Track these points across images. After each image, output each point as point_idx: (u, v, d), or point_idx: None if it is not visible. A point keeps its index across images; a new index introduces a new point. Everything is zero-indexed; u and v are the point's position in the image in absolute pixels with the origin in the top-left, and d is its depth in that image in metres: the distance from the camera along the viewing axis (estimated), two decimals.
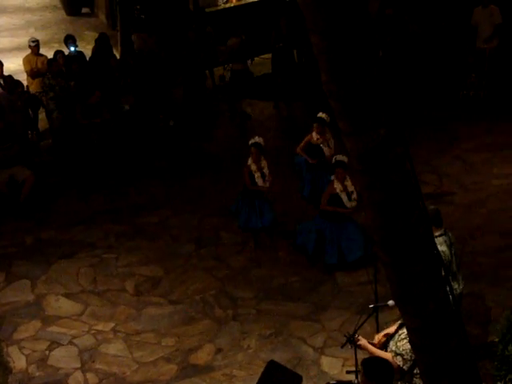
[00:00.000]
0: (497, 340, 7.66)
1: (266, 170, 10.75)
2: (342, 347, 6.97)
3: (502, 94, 15.34)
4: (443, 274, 4.93)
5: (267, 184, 10.73)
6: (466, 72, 15.79)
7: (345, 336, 6.85)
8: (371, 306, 7.46)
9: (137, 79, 15.25)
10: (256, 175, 10.66)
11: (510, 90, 15.23)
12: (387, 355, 6.41)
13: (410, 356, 6.30)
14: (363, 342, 6.68)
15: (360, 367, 5.95)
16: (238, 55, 16.12)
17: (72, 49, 15.78)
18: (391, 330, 6.73)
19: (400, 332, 6.54)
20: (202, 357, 8.75)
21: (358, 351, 6.89)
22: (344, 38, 4.17)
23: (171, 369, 8.58)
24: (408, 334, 5.23)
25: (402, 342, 6.44)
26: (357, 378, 7.11)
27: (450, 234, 7.85)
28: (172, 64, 16.38)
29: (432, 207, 7.61)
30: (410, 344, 5.50)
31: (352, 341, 6.71)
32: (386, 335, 6.72)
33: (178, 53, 16.42)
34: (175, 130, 14.87)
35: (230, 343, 8.92)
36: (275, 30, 16.11)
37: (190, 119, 15.37)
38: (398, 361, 6.37)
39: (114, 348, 8.94)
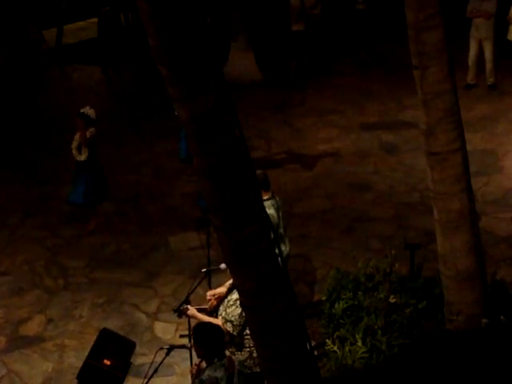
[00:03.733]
0: (324, 299, 7.98)
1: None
2: (174, 313, 7.03)
3: (327, 57, 15.85)
4: (272, 236, 5.05)
5: (83, 157, 10.10)
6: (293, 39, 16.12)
7: (173, 310, 6.92)
8: (204, 270, 7.54)
9: None
10: (73, 145, 10.15)
11: (334, 54, 15.74)
12: (217, 321, 6.55)
13: (239, 322, 6.50)
14: (192, 311, 6.77)
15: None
16: None
17: None
18: (222, 291, 6.85)
19: (229, 298, 6.69)
20: (32, 328, 8.56)
21: None
22: (169, 1, 4.14)
23: (0, 341, 8.34)
24: (239, 295, 5.33)
25: (231, 309, 6.59)
26: (190, 341, 7.20)
27: (278, 198, 8.04)
28: None
29: (260, 171, 7.75)
30: (241, 305, 5.62)
31: (180, 311, 6.79)
32: (217, 298, 6.84)
33: None
34: None
35: (62, 313, 8.77)
36: None
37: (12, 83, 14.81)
38: (228, 327, 6.53)
39: None
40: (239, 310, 6.46)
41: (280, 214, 7.92)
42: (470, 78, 14.22)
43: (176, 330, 8.33)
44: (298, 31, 15.26)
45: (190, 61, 4.26)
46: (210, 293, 6.99)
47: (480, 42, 13.95)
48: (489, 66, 14.09)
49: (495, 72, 14.14)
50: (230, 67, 14.57)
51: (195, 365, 6.17)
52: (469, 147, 7.06)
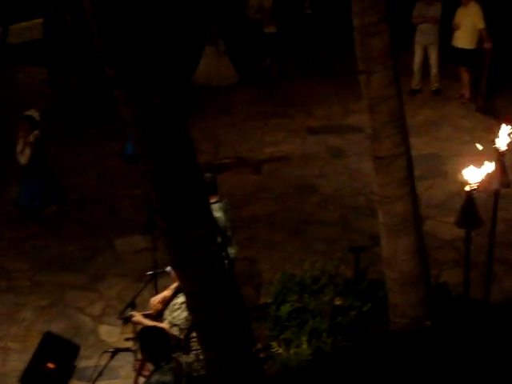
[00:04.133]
0: (270, 301, 8.01)
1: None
2: (120, 320, 6.99)
3: (275, 62, 15.89)
4: (219, 239, 5.06)
5: (23, 160, 9.91)
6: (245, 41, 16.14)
7: (118, 318, 6.87)
8: (149, 272, 7.51)
9: None
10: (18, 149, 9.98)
11: (281, 58, 15.80)
12: (164, 326, 6.52)
13: (186, 325, 6.48)
14: (137, 317, 6.73)
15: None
16: None
17: None
18: (167, 294, 6.82)
19: (174, 302, 6.66)
20: None
21: None
22: (115, 3, 4.12)
23: None
24: (186, 297, 5.32)
25: (176, 313, 6.58)
26: (135, 344, 7.16)
27: (226, 201, 8.05)
28: None
29: (208, 174, 7.75)
30: (188, 307, 5.62)
31: (125, 319, 6.75)
32: (162, 301, 6.81)
33: None
34: None
35: (4, 316, 8.64)
36: None
37: None
38: (175, 331, 6.51)
39: None
40: (185, 314, 6.44)
41: (227, 217, 7.93)
42: (415, 83, 14.42)
43: (121, 333, 8.24)
44: (269, 33, 15.32)
45: (136, 63, 4.25)
46: (153, 300, 6.95)
47: (425, 48, 14.15)
48: (433, 71, 14.31)
49: (440, 77, 14.36)
50: (205, 70, 14.89)
51: (137, 360, 6.14)
52: (413, 152, 7.16)
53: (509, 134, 6.63)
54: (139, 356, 6.30)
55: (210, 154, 12.38)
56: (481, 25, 13.24)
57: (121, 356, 6.93)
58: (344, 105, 14.08)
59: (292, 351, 7.21)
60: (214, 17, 15.50)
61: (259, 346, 7.49)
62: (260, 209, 10.84)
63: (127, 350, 7.00)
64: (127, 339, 7.62)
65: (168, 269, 6.77)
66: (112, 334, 8.38)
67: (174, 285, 6.69)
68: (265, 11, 15.37)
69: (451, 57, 13.97)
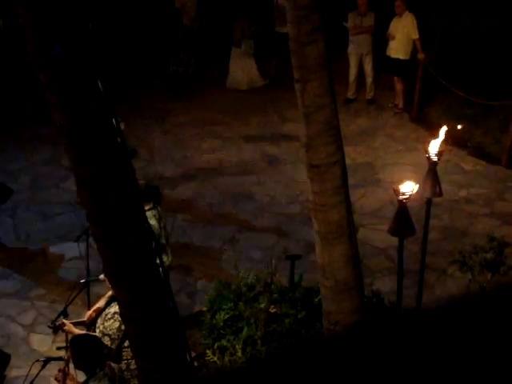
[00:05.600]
0: (205, 309, 7.98)
1: None
2: (50, 328, 6.88)
3: (211, 69, 15.93)
4: (153, 247, 5.01)
5: None
6: (176, 48, 16.15)
7: (48, 326, 6.77)
8: (82, 280, 7.41)
9: None
10: None
11: (217, 66, 15.84)
12: (95, 335, 6.45)
13: (118, 335, 6.43)
14: (68, 326, 6.64)
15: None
16: None
17: None
18: (101, 304, 6.75)
19: (107, 311, 6.61)
20: None
21: None
22: (48, 8, 4.06)
23: None
24: (118, 306, 5.26)
25: (109, 322, 6.51)
26: (67, 353, 7.06)
27: (159, 208, 8.00)
28: None
29: (142, 181, 7.69)
30: (121, 316, 5.56)
31: (56, 327, 6.66)
32: (96, 310, 6.74)
33: None
34: None
35: None
36: None
37: None
38: (106, 341, 6.46)
39: None
40: (118, 324, 6.38)
41: (162, 225, 7.88)
42: (351, 92, 14.58)
43: (53, 342, 8.14)
44: (282, 33, 15.02)
45: (69, 68, 4.19)
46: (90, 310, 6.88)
47: (360, 58, 14.33)
48: (368, 80, 14.49)
49: (374, 87, 14.56)
50: (234, 73, 15.16)
51: (59, 371, 6.07)
52: (348, 160, 7.22)
53: (440, 144, 6.74)
54: (71, 365, 6.21)
55: (145, 161, 12.30)
56: (415, 35, 13.47)
57: (52, 365, 6.80)
58: (280, 113, 14.16)
59: (226, 359, 7.19)
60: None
61: (194, 354, 7.46)
62: (196, 216, 10.81)
63: (59, 359, 6.90)
64: (59, 348, 7.51)
65: (101, 277, 6.70)
66: (44, 342, 8.25)
67: (109, 293, 6.62)
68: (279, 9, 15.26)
69: (385, 67, 14.18)
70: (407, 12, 13.57)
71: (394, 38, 13.71)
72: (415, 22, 13.45)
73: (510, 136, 11.93)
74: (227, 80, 15.46)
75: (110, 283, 5.15)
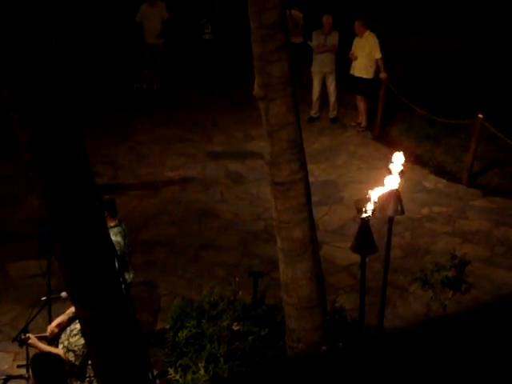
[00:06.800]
0: (168, 327, 7.94)
1: None
2: (14, 342, 6.81)
3: (175, 87, 15.95)
4: (117, 264, 4.98)
5: None
6: (140, 66, 16.16)
7: (13, 340, 6.71)
8: (44, 298, 7.34)
9: None
10: None
11: (181, 83, 15.87)
12: (59, 351, 6.40)
13: (83, 351, 6.39)
14: (33, 340, 6.59)
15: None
16: None
17: None
18: (64, 319, 6.70)
19: (72, 327, 6.56)
20: None
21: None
22: (8, 21, 4.03)
23: None
24: (80, 324, 5.22)
25: (74, 338, 6.47)
26: (28, 371, 6.97)
27: (124, 225, 7.97)
28: None
29: (107, 197, 7.66)
30: (82, 334, 5.51)
31: (21, 341, 6.59)
32: (58, 326, 6.69)
33: None
34: None
35: None
36: None
37: None
38: (71, 357, 6.42)
39: None
40: (83, 341, 6.32)
41: (126, 242, 7.84)
42: (314, 111, 14.70)
43: (14, 360, 8.03)
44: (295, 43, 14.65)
45: (30, 84, 4.17)
46: (52, 325, 6.82)
47: (323, 77, 14.45)
48: (332, 99, 14.63)
49: (337, 106, 14.68)
50: None
51: None
52: (311, 178, 7.27)
53: (402, 163, 6.81)
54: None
55: (109, 178, 12.25)
56: (377, 55, 13.64)
57: (13, 383, 6.75)
58: (244, 131, 14.23)
59: (189, 377, 7.15)
60: None
61: (156, 372, 7.41)
62: (159, 233, 10.78)
63: (20, 377, 6.83)
64: (20, 366, 7.42)
65: (63, 294, 6.64)
66: (4, 360, 8.12)
67: (72, 309, 6.57)
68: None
69: (349, 85, 14.32)
70: (368, 32, 13.74)
71: (356, 58, 13.87)
72: (377, 41, 13.62)
73: (470, 155, 12.09)
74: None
75: (72, 301, 5.11)
